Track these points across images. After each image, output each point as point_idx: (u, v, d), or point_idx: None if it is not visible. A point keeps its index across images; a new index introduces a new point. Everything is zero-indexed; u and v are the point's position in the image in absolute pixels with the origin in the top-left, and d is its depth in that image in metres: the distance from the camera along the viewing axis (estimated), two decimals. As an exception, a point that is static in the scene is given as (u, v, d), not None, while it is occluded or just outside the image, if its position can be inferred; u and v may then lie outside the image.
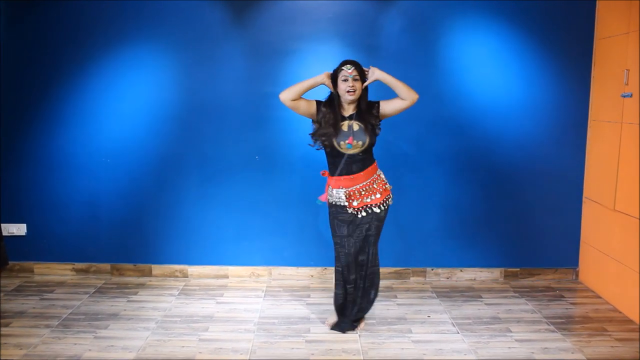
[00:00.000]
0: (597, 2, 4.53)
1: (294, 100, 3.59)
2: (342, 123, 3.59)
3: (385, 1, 4.55)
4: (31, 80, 4.63)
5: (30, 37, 4.59)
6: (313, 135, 3.66)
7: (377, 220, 3.69)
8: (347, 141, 3.55)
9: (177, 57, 4.60)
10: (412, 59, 4.54)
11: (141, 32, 4.58)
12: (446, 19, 4.56)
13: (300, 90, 3.59)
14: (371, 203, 3.63)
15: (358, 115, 3.61)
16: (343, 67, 3.57)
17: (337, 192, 3.65)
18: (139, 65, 4.61)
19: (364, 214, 3.64)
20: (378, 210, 3.65)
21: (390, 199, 3.73)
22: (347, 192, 3.62)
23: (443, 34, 4.58)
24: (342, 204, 3.64)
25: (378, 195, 3.65)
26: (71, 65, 4.61)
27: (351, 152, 3.58)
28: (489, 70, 4.62)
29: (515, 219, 4.76)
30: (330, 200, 3.70)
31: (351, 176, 3.60)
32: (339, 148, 3.58)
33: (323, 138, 3.58)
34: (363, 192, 3.62)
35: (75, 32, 4.58)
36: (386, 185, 3.71)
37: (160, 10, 4.54)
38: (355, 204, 3.62)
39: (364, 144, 3.57)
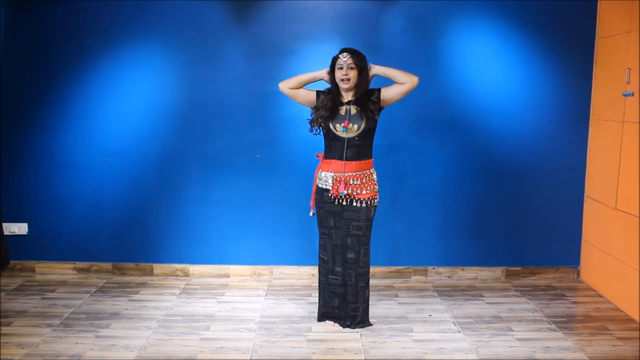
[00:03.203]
0: (599, 0, 4.52)
1: (292, 88, 3.73)
2: (340, 107, 3.67)
3: (387, 0, 4.55)
4: (33, 79, 4.63)
5: (32, 36, 4.59)
6: (311, 120, 3.72)
7: (366, 220, 3.70)
8: (342, 124, 3.61)
9: (179, 56, 4.60)
10: (414, 58, 4.54)
11: (143, 31, 4.58)
12: (448, 17, 4.56)
13: (299, 82, 3.74)
14: (354, 196, 3.64)
15: (356, 101, 3.67)
16: (339, 56, 3.66)
17: (325, 175, 3.69)
18: (140, 64, 4.61)
19: (344, 203, 3.66)
20: (358, 205, 3.65)
21: (376, 200, 3.72)
22: (335, 177, 3.65)
23: (444, 32, 4.58)
24: (327, 187, 3.68)
25: (364, 192, 3.66)
26: (72, 64, 4.61)
27: (347, 135, 3.62)
28: (491, 69, 4.61)
29: (516, 218, 4.75)
30: (319, 185, 3.74)
31: (343, 162, 3.64)
32: (334, 131, 3.64)
33: (320, 121, 3.66)
34: (350, 182, 3.64)
35: (76, 32, 4.58)
36: (375, 187, 3.72)
37: (161, 9, 4.54)
38: (338, 190, 3.64)
39: (359, 127, 3.62)
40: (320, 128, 3.70)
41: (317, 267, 3.90)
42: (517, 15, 4.55)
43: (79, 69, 4.62)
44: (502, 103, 4.64)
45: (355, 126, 3.62)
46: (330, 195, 3.67)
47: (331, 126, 3.64)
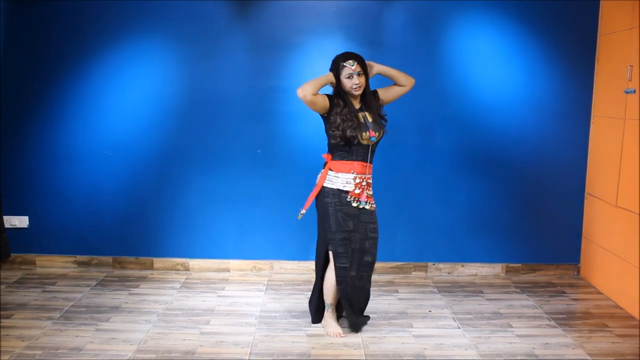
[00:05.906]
0: (601, -3, 4.52)
1: (314, 94, 3.46)
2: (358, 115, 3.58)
3: (389, -5, 4.55)
4: (34, 73, 4.63)
5: (33, 30, 4.59)
6: (336, 128, 3.49)
7: (376, 222, 3.69)
8: (369, 133, 3.53)
9: (180, 51, 4.60)
10: (416, 54, 4.53)
11: (144, 25, 4.58)
12: (450, 14, 4.55)
13: (318, 86, 3.48)
14: (366, 198, 3.60)
15: (366, 108, 3.61)
16: (345, 64, 3.50)
17: (344, 176, 3.56)
18: (141, 59, 4.61)
19: (355, 204, 3.58)
20: (367, 207, 3.61)
21: (374, 204, 3.69)
22: (357, 177, 3.56)
23: (446, 29, 4.58)
24: (348, 188, 3.55)
25: (371, 193, 3.64)
26: (73, 59, 4.61)
27: (373, 142, 3.57)
28: (492, 65, 4.61)
29: (517, 215, 4.75)
30: (332, 187, 3.58)
31: (365, 163, 3.57)
32: (360, 139, 3.52)
33: (348, 131, 3.47)
34: (369, 183, 3.61)
35: (77, 26, 4.57)
36: (370, 192, 3.66)
37: (163, 4, 4.53)
38: (357, 192, 3.56)
39: (379, 134, 3.59)
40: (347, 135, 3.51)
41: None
42: (519, 12, 4.54)
43: (80, 63, 4.61)
44: (503, 99, 4.64)
45: (377, 134, 3.57)
46: (348, 198, 3.56)
47: (358, 134, 3.50)
